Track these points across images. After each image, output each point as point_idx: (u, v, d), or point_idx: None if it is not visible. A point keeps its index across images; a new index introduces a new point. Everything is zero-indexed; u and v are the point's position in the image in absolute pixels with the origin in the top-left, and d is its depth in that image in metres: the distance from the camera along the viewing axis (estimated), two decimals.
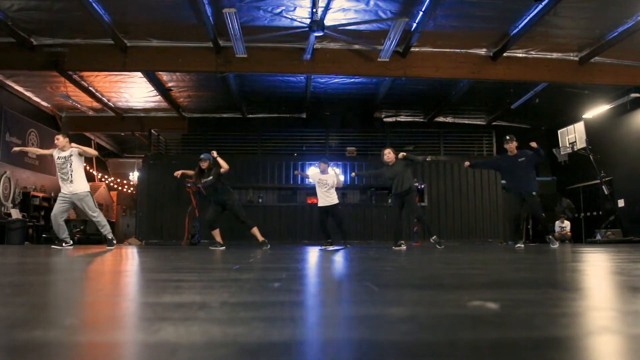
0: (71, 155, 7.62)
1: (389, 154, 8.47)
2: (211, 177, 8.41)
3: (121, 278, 2.59)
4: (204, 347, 0.89)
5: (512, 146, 8.56)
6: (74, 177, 7.61)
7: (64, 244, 7.59)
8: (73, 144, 7.74)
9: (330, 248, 8.43)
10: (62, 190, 7.67)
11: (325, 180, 9.02)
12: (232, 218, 8.66)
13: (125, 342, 0.98)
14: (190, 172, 8.66)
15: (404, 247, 8.12)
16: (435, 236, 8.30)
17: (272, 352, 0.86)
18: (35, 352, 0.88)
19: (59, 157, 7.71)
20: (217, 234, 8.57)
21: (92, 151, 8.28)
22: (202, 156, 8.63)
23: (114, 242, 7.89)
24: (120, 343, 0.98)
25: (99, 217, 7.69)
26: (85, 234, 15.10)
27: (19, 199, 13.52)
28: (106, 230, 7.77)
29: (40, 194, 14.87)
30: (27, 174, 14.21)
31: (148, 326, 1.09)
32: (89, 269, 3.37)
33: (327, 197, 8.99)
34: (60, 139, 7.70)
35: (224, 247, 8.27)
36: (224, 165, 8.30)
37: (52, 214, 7.63)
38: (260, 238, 8.40)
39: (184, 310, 1.29)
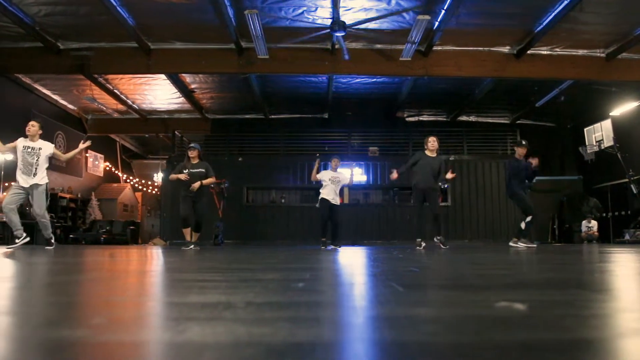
0: (40, 149, 7.17)
1: (433, 142, 8.23)
2: (202, 170, 8.26)
3: (147, 278, 2.62)
4: (230, 347, 0.89)
5: (524, 151, 8.47)
6: (38, 171, 7.14)
7: (17, 240, 7.02)
8: (50, 145, 7.38)
9: (330, 247, 8.43)
10: (19, 183, 7.10)
11: (337, 178, 9.02)
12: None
13: (152, 342, 0.99)
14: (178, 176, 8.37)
15: (423, 245, 7.93)
16: (441, 237, 8.15)
17: (298, 353, 0.86)
18: (64, 351, 0.89)
19: (25, 147, 7.13)
20: (188, 232, 8.35)
21: (64, 156, 8.02)
22: (192, 144, 8.55)
23: (53, 242, 7.59)
24: (147, 342, 0.98)
25: (45, 216, 7.26)
26: (112, 234, 15.33)
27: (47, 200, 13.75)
28: (48, 231, 7.40)
29: (68, 195, 15.15)
30: (55, 176, 14.48)
31: (174, 326, 1.10)
32: (115, 269, 3.41)
33: (336, 196, 9.00)
34: (36, 126, 7.18)
35: (193, 247, 8.12)
36: (209, 181, 8.39)
37: (5, 205, 6.95)
38: (187, 238, 8.32)
39: (210, 310, 1.30)
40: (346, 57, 10.25)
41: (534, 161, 8.30)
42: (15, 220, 6.98)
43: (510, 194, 8.58)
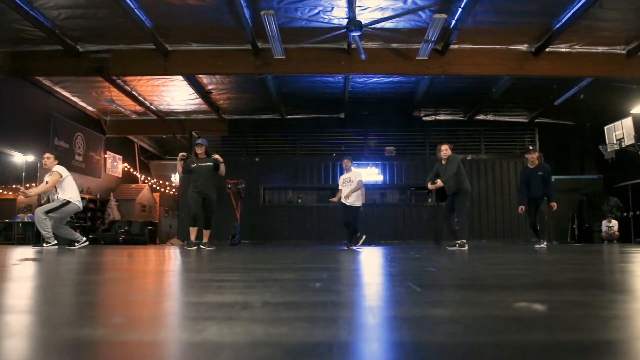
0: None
1: (446, 150, 8.06)
2: (210, 164, 8.25)
3: (164, 278, 2.64)
4: (248, 347, 0.90)
5: (533, 157, 8.51)
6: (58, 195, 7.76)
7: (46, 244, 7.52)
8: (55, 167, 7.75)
9: (355, 247, 8.37)
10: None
11: (349, 178, 8.94)
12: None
13: (170, 341, 1.00)
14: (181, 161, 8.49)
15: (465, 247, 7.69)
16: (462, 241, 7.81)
17: (315, 353, 0.86)
18: (84, 350, 0.90)
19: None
20: (194, 231, 8.27)
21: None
22: (199, 141, 8.50)
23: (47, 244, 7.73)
24: (166, 342, 0.99)
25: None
26: (130, 234, 15.48)
27: None
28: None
29: (87, 196, 15.31)
30: (74, 177, 14.58)
31: (192, 325, 1.10)
32: (133, 268, 3.45)
33: (350, 197, 8.85)
34: (51, 159, 7.77)
35: (196, 247, 8.06)
36: (223, 170, 8.38)
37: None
38: (204, 239, 8.33)
39: (227, 310, 1.31)
40: (363, 56, 10.13)
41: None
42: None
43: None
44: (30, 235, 12.57)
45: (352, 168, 9.29)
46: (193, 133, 15.61)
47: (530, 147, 8.72)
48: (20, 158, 12.87)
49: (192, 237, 8.29)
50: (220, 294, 1.70)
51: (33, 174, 13.08)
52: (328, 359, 0.83)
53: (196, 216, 8.32)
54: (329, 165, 14.52)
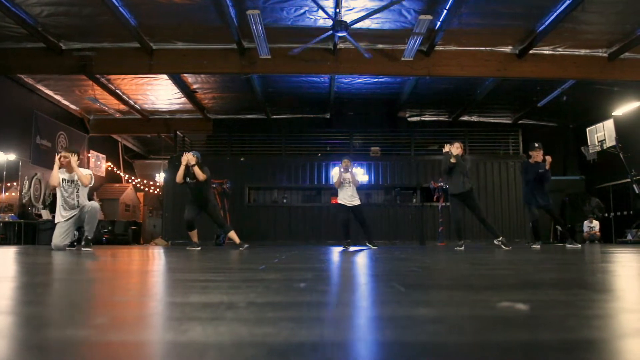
0: (77, 181, 7.03)
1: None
2: (195, 180, 8.26)
3: (149, 278, 2.62)
4: (233, 347, 0.90)
5: (539, 154, 8.44)
6: (81, 201, 7.06)
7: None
8: (77, 168, 7.01)
9: (351, 249, 8.35)
10: (62, 215, 7.02)
11: (349, 179, 8.91)
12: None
13: (155, 342, 0.99)
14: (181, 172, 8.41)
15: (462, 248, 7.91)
16: (502, 238, 8.05)
17: (300, 353, 0.86)
18: (67, 351, 0.89)
19: (65, 180, 7.00)
20: (194, 234, 8.46)
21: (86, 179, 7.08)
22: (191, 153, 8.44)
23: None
24: (150, 342, 0.98)
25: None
26: (113, 234, 15.34)
27: (49, 200, 13.80)
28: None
29: None
30: None
31: (177, 326, 1.10)
32: (117, 269, 3.41)
33: (351, 197, 8.86)
34: (72, 158, 6.91)
35: (199, 248, 8.16)
36: (199, 175, 8.15)
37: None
38: (238, 241, 8.43)
39: (212, 310, 1.30)
40: (366, 55, 9.92)
41: (547, 158, 8.28)
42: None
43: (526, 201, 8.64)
44: (11, 235, 12.39)
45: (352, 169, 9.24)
46: (178, 132, 15.53)
47: (536, 144, 8.50)
48: (1, 157, 12.69)
49: (195, 239, 8.47)
50: (205, 294, 1.69)
51: (14, 173, 12.91)
52: (313, 359, 0.83)
53: (191, 222, 8.42)
54: (314, 165, 14.51)
